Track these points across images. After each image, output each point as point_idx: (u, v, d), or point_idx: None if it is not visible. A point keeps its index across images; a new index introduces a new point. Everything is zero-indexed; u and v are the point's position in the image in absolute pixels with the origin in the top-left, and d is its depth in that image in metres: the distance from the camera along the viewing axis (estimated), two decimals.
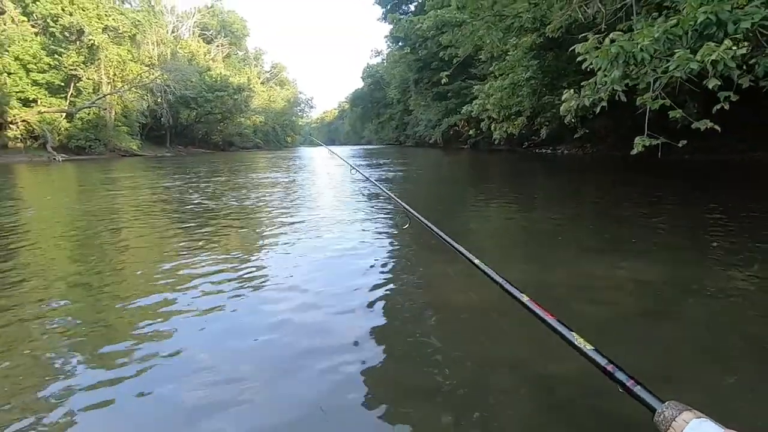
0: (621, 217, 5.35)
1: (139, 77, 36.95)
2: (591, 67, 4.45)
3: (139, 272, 3.45)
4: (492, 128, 12.62)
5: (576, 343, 0.59)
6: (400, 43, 35.95)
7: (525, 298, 0.74)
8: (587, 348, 0.58)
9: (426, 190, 9.74)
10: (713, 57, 3.21)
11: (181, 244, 4.27)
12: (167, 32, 49.40)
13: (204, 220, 5.62)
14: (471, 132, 20.34)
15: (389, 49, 44.72)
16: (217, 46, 58.78)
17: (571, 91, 4.43)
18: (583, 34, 4.42)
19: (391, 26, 35.48)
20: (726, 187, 8.36)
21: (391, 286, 3.07)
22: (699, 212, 5.34)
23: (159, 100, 38.91)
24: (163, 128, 41.56)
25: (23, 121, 28.95)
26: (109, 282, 3.23)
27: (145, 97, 37.70)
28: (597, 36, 4.13)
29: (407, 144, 47.36)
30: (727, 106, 3.71)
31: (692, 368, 1.91)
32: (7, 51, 28.65)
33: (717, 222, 4.66)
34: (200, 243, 4.25)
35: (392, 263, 3.63)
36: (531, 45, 10.76)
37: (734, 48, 3.34)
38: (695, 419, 0.32)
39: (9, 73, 28.88)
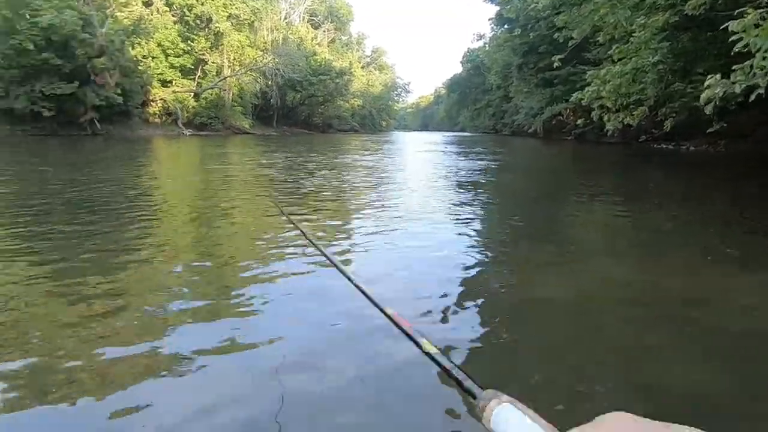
0: (752, 224, 4.57)
1: (254, 61, 40.25)
2: (744, 49, 3.78)
3: (244, 236, 3.81)
4: (604, 118, 11.48)
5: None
6: (506, 26, 34.12)
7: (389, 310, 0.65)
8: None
9: (524, 182, 9.26)
10: None
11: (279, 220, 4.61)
12: (281, 19, 52.83)
13: (301, 196, 6.00)
14: (578, 122, 18.74)
15: (493, 32, 42.74)
16: (324, 31, 61.42)
17: (717, 76, 3.81)
18: (739, 10, 3.76)
19: (498, 7, 33.81)
20: None
21: (481, 275, 3.00)
22: None
23: (270, 82, 42.09)
24: (272, 109, 44.91)
25: (161, 99, 33.40)
26: (220, 243, 3.62)
27: (258, 80, 41.04)
28: (761, 11, 3.48)
29: (503, 133, 45.39)
30: None
31: None
32: (152, 38, 33.06)
33: None
34: (299, 217, 4.54)
35: (480, 252, 3.54)
36: (663, 24, 9.46)
37: None
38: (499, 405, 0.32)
39: (153, 57, 33.38)
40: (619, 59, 11.05)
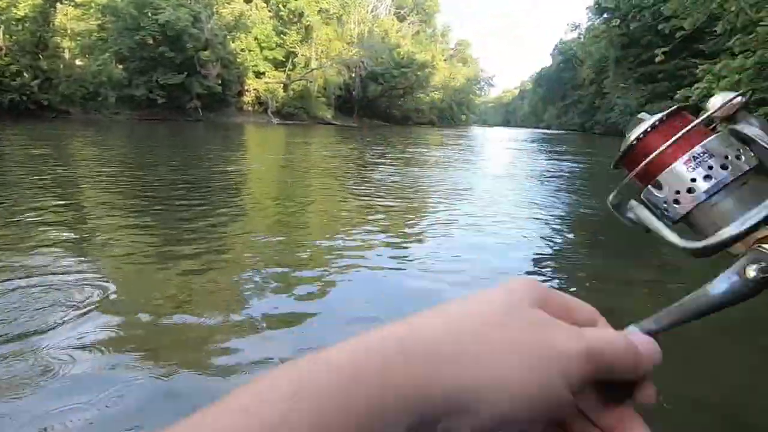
0: None
1: (340, 54, 41.65)
2: None
3: (321, 222, 4.03)
4: None
5: None
6: (605, 15, 31.48)
7: None
8: None
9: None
10: None
11: (361, 209, 4.78)
12: (368, 12, 53.87)
13: (377, 189, 6.14)
14: None
15: (590, 22, 39.68)
16: (409, 23, 61.47)
17: None
18: None
19: None
20: None
21: (551, 284, 2.87)
22: None
23: (353, 75, 43.29)
24: (353, 101, 46.19)
25: (254, 89, 35.99)
26: (300, 225, 3.87)
27: (342, 72, 42.41)
28: None
29: (594, 131, 42.13)
30: None
31: None
32: (250, 32, 35.64)
33: None
34: (366, 212, 4.67)
35: (553, 260, 3.38)
36: None
37: None
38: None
39: (249, 50, 36.01)
40: (741, 52, 9.68)
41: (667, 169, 0.25)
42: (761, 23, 8.94)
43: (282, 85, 38.12)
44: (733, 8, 8.08)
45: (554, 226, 4.44)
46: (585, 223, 4.88)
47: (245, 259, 2.89)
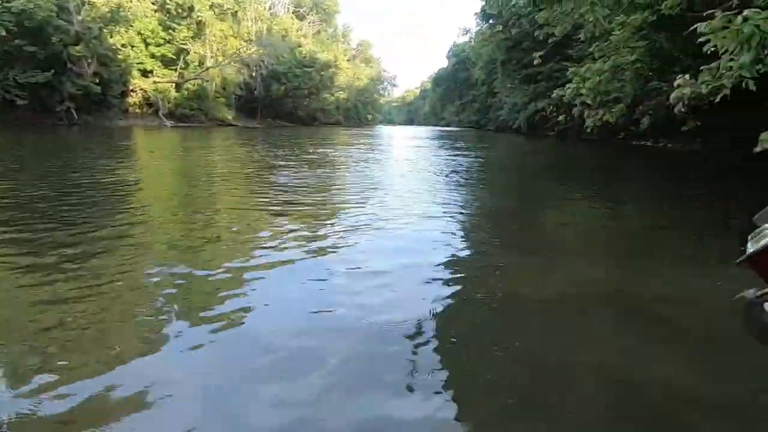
0: (724, 226, 4.75)
1: (237, 52, 39.57)
2: (712, 49, 3.90)
3: (223, 234, 3.81)
4: (585, 115, 11.68)
5: None
6: (490, 21, 34.25)
7: None
8: None
9: (507, 179, 9.39)
10: None
11: (268, 213, 4.60)
12: (265, 9, 51.93)
13: (284, 193, 5.98)
14: (560, 118, 19.02)
15: (478, 27, 42.86)
16: (309, 23, 60.62)
17: (686, 76, 3.94)
18: (708, 11, 3.88)
19: (483, 2, 33.89)
20: None
21: (463, 274, 3.06)
22: None
23: (254, 74, 41.44)
24: (255, 101, 44.27)
25: (141, 89, 32.60)
26: (201, 239, 3.61)
27: (242, 71, 40.36)
28: (727, 14, 3.60)
29: (488, 128, 45.69)
30: None
31: None
32: (132, 26, 32.15)
33: None
34: (278, 219, 4.54)
35: (464, 251, 3.61)
36: (641, 24, 9.66)
37: None
38: None
39: (132, 46, 32.49)
40: (599, 57, 11.23)
41: None
42: (613, 33, 10.47)
43: (174, 84, 35.09)
44: (591, 19, 9.31)
45: (464, 220, 4.72)
46: (490, 216, 5.26)
47: (134, 285, 2.61)
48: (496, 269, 3.13)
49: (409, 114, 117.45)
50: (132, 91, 32.17)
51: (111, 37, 29.20)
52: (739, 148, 13.40)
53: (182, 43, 34.74)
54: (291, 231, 3.74)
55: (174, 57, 35.07)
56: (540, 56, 10.63)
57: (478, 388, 1.70)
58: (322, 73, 49.68)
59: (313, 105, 52.93)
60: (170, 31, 34.16)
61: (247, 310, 2.23)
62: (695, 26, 3.90)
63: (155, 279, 2.61)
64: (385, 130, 42.44)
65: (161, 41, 34.15)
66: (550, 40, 11.20)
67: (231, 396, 1.58)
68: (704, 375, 1.82)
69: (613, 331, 2.23)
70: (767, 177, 8.80)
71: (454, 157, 12.33)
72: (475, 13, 38.83)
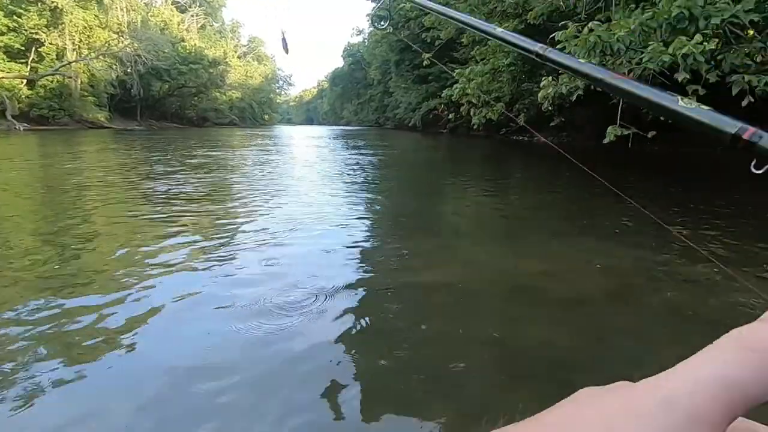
0: (588, 205, 5.55)
1: (107, 45, 35.10)
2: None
3: (99, 260, 3.37)
4: (471, 113, 12.69)
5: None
6: (382, 23, 35.25)
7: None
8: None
9: (404, 173, 9.78)
10: (684, 50, 3.33)
11: (149, 230, 4.19)
12: None
13: (167, 202, 5.51)
14: (450, 116, 20.38)
15: (371, 28, 43.86)
16: (192, 15, 56.24)
17: (549, 78, 4.51)
18: (563, 22, 4.48)
19: (374, 4, 34.74)
20: (688, 178, 8.75)
21: (367, 266, 3.12)
22: (664, 201, 5.59)
23: (129, 70, 37.15)
24: (134, 100, 39.84)
25: None
26: (71, 264, 3.15)
27: (114, 67, 35.92)
28: (577, 24, 4.20)
29: (386, 126, 47.11)
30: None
31: (651, 344, 2.06)
32: None
33: (678, 212, 4.91)
34: (165, 227, 4.17)
35: (369, 243, 3.68)
36: (512, 30, 10.79)
37: (704, 43, 3.46)
38: None
39: None
40: (481, 60, 12.29)
41: None
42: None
43: (25, 81, 29.90)
44: None
45: (366, 216, 4.78)
46: (390, 210, 5.42)
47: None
48: (399, 259, 3.24)
49: (308, 113, 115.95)
50: None
51: None
52: (596, 141, 15.68)
53: (33, 33, 29.74)
54: (177, 247, 3.44)
55: (23, 48, 29.89)
56: (429, 58, 11.29)
57: (388, 373, 1.75)
58: (211, 70, 46.53)
59: (203, 105, 49.42)
60: (15, 17, 28.99)
61: (136, 344, 2.00)
62: (553, 35, 4.47)
63: (26, 317, 2.19)
64: (283, 130, 41.26)
65: (3, 29, 28.83)
66: (437, 43, 11.94)
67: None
68: (579, 337, 2.09)
69: (505, 306, 2.46)
70: (621, 163, 10.48)
71: (355, 156, 12.48)
72: (367, 14, 39.69)
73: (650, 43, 3.83)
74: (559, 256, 3.31)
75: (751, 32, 4.05)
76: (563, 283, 2.78)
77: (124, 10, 40.90)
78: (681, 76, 3.47)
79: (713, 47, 3.56)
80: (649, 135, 4.57)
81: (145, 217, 4.39)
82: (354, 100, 63.42)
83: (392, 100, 41.53)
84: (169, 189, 5.97)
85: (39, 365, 1.74)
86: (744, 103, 3.81)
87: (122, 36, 37.24)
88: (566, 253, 3.41)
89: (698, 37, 3.39)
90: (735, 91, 3.73)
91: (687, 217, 4.64)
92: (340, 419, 1.49)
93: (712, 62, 3.97)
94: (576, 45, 4.06)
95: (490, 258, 3.31)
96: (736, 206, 5.44)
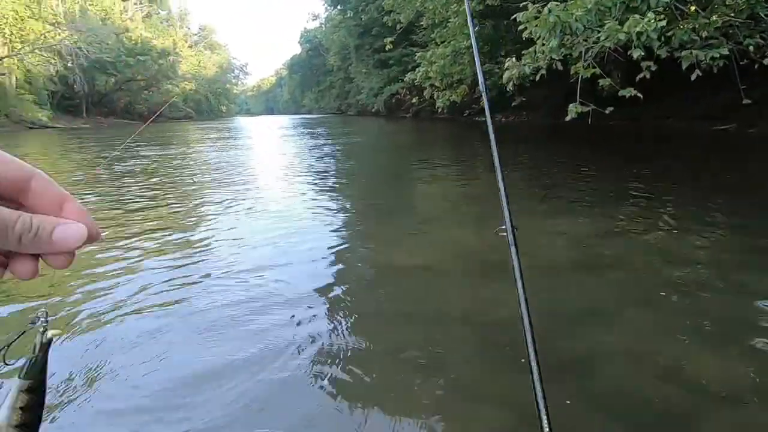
0: (552, 181, 5.78)
1: (42, 38, 32.58)
2: (530, 36, 4.64)
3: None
4: (435, 96, 12.76)
5: None
6: (339, 7, 34.59)
7: None
8: None
9: (370, 160, 9.77)
10: (638, 28, 3.49)
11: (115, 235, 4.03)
12: None
13: (114, 206, 5.30)
14: (414, 100, 20.41)
15: (327, 13, 42.92)
16: (135, 3, 52.96)
17: (513, 59, 4.62)
18: (523, 3, 4.56)
19: None
20: (644, 151, 9.24)
21: (344, 254, 3.14)
22: (620, 174, 5.89)
23: (70, 64, 34.73)
24: (78, 96, 37.39)
25: None
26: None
27: (52, 61, 33.46)
28: (536, 6, 4.29)
29: (349, 113, 46.60)
30: (648, 75, 4.07)
31: (617, 307, 2.20)
32: None
33: (635, 184, 5.19)
34: (135, 228, 4.02)
35: (341, 233, 3.69)
36: (472, 11, 10.87)
37: (655, 21, 3.64)
38: None
39: None
40: (441, 42, 12.33)
41: None
42: (450, 20, 11.56)
43: None
44: (430, 7, 10.13)
45: (336, 205, 4.77)
46: (360, 197, 5.42)
47: None
48: (372, 244, 3.28)
49: (268, 103, 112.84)
50: None
51: None
52: (551, 119, 16.19)
53: None
54: (143, 251, 3.32)
55: None
56: (390, 42, 11.21)
57: (372, 355, 1.79)
58: (161, 61, 44.22)
59: (155, 98, 46.96)
60: None
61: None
62: (515, 15, 4.56)
63: None
64: (242, 122, 40.01)
65: None
66: (398, 26, 11.87)
67: None
68: (540, 303, 2.20)
69: (472, 283, 2.55)
70: (572, 140, 10.90)
71: (319, 145, 12.33)
72: None
73: (606, 21, 3.98)
74: (525, 230, 3.44)
75: (693, 8, 4.29)
76: (528, 255, 2.90)
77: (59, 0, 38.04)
78: (636, 53, 3.65)
79: (663, 24, 3.75)
80: (607, 111, 4.78)
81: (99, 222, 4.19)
82: (314, 87, 62.22)
83: (353, 86, 41.05)
84: (116, 191, 5.70)
85: None
86: (693, 77, 4.05)
87: (59, 27, 34.63)
88: (531, 226, 3.54)
89: (651, 15, 3.57)
90: (685, 65, 3.96)
91: (644, 184, 4.92)
92: (323, 406, 1.51)
93: (662, 39, 4.18)
94: (537, 26, 4.17)
95: (458, 239, 3.40)
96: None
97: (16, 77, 30.91)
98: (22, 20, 30.80)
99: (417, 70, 12.19)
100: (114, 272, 2.71)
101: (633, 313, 2.11)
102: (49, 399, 1.52)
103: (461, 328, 2.04)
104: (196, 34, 69.25)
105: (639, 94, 4.03)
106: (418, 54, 12.59)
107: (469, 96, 14.13)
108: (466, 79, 12.04)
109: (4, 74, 29.81)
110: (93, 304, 2.26)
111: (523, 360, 1.72)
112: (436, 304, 2.26)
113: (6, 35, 30.24)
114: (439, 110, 14.12)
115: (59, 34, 33.76)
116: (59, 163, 9.43)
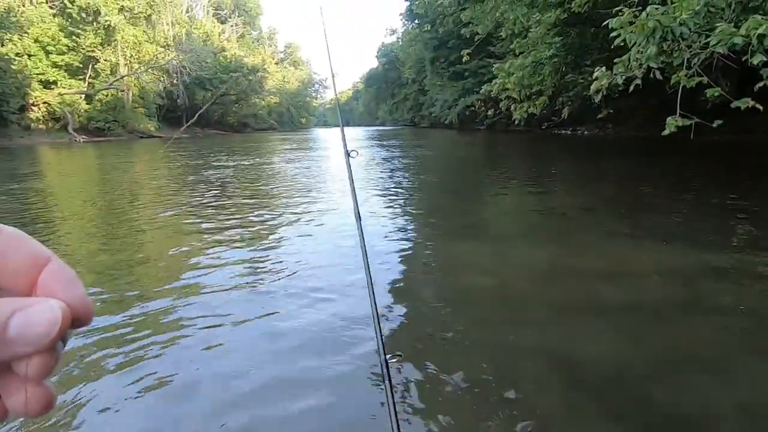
0: (646, 201, 5.21)
1: (155, 58, 37.06)
2: (621, 43, 4.25)
3: (150, 262, 3.51)
4: (512, 108, 12.30)
5: None
6: (416, 21, 35.10)
7: None
8: None
9: (443, 174, 9.63)
10: (760, 30, 3.03)
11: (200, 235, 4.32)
12: (182, 12, 49.17)
13: (214, 210, 5.67)
14: (489, 112, 19.91)
15: (404, 27, 43.76)
16: (232, 26, 58.34)
17: (603, 68, 4.26)
18: (616, 8, 4.21)
19: (408, 3, 34.65)
20: (757, 169, 8.05)
21: (414, 271, 3.06)
22: (727, 196, 5.16)
23: (175, 81, 39.10)
24: (180, 109, 41.83)
25: (44, 102, 29.43)
26: (125, 268, 3.29)
27: (162, 79, 37.91)
28: (632, 10, 3.93)
29: (422, 125, 46.78)
30: None
31: (729, 355, 1.86)
32: (27, 33, 28.93)
33: (744, 207, 4.51)
34: (213, 236, 4.29)
35: (412, 248, 3.62)
36: (555, 21, 10.36)
37: None
38: None
39: (29, 55, 29.24)
40: (520, 53, 11.89)
41: None
42: (531, 30, 11.12)
43: (84, 96, 32.09)
44: (511, 17, 9.82)
45: (409, 217, 4.73)
46: (433, 211, 5.32)
47: None
48: (444, 262, 3.16)
49: (344, 115, 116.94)
50: (33, 105, 28.98)
51: (2, 46, 26.12)
52: (644, 131, 14.82)
53: (89, 51, 31.86)
54: (236, 252, 3.52)
55: (81, 66, 32.08)
56: (468, 53, 11.05)
57: (438, 385, 1.68)
58: (250, 77, 48.02)
59: (244, 111, 51.10)
60: (74, 37, 31.16)
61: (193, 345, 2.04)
62: (606, 22, 4.22)
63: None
64: (320, 133, 41.95)
65: (64, 49, 31.05)
66: (475, 38, 11.68)
67: None
68: (634, 344, 1.93)
69: (557, 311, 2.31)
70: (667, 155, 9.83)
71: (391, 156, 12.44)
72: (401, 14, 39.63)
73: (717, 25, 3.52)
74: (616, 259, 3.11)
75: None
76: (623, 287, 2.60)
77: (170, 24, 43.06)
78: (757, 59, 3.16)
79: None
80: (715, 124, 4.21)
81: (193, 224, 4.56)
82: (389, 99, 63.45)
83: (427, 98, 41.18)
84: (213, 194, 6.18)
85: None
86: None
87: (168, 49, 39.20)
88: (624, 253, 3.19)
89: None
90: None
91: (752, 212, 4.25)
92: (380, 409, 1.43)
93: None
94: (632, 32, 3.81)
95: (540, 261, 3.16)
96: None
97: (133, 93, 35.41)
98: (140, 44, 35.34)
99: (493, 81, 11.84)
100: (195, 282, 2.90)
101: (752, 364, 1.78)
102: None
103: (541, 363, 1.85)
104: (282, 52, 74.40)
105: (758, 105, 3.49)
106: (495, 65, 12.24)
107: (548, 108, 13.44)
108: (546, 91, 11.46)
109: (123, 90, 34.33)
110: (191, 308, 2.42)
111: (616, 412, 1.50)
112: (512, 333, 2.09)
113: (127, 57, 34.86)
114: (515, 122, 13.57)
115: (168, 55, 38.18)
116: (157, 166, 10.55)
